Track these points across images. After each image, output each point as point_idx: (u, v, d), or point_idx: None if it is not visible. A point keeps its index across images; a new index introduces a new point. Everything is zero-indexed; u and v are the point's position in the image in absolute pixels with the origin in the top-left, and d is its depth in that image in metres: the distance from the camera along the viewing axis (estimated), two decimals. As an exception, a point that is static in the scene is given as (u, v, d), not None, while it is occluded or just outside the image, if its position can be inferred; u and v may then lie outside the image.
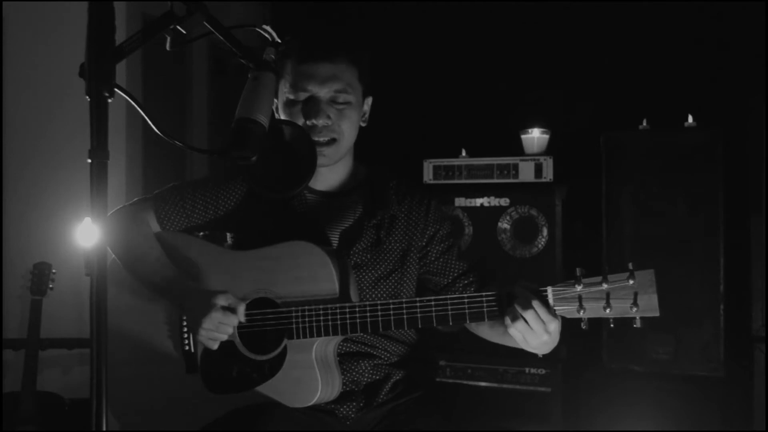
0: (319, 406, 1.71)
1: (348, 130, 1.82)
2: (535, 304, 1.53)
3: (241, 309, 1.67)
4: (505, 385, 3.17)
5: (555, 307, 1.55)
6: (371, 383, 1.79)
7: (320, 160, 1.78)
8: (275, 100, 1.86)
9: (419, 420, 1.76)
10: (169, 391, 1.78)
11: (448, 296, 1.62)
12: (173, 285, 1.75)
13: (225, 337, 1.68)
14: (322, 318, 1.65)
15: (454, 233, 1.95)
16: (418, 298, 1.63)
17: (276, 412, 1.65)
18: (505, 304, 1.59)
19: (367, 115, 1.90)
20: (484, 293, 1.61)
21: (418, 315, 1.62)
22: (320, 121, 1.77)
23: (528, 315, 1.54)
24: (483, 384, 3.18)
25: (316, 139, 1.77)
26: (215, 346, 1.68)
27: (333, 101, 1.79)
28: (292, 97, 1.79)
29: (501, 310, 1.60)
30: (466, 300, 1.60)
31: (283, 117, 1.81)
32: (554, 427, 3.12)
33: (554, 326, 1.55)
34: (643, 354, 3.05)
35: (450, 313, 1.61)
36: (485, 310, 1.61)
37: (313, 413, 1.71)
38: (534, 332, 1.55)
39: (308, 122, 1.77)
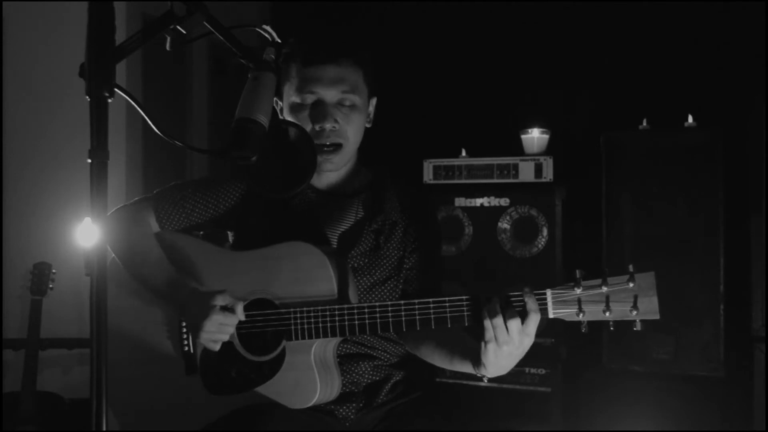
0: (319, 407, 1.71)
1: (353, 134, 1.82)
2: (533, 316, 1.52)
3: (240, 308, 1.67)
4: (505, 385, 3.17)
5: (554, 310, 1.54)
6: (371, 384, 1.79)
7: (327, 166, 1.80)
8: (280, 103, 1.86)
9: (419, 420, 1.76)
10: (170, 392, 1.78)
11: (446, 298, 1.61)
12: (171, 288, 1.74)
13: (226, 338, 1.68)
14: (320, 319, 1.64)
15: (439, 246, 1.93)
16: (416, 300, 1.61)
17: (276, 413, 1.65)
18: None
19: (371, 116, 1.91)
20: (483, 295, 1.60)
21: (417, 317, 1.61)
22: (328, 125, 1.77)
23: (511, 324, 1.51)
24: (483, 384, 3.18)
25: (323, 143, 1.78)
26: (217, 347, 1.68)
27: (340, 104, 1.79)
28: (298, 100, 1.79)
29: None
30: (464, 302, 1.60)
31: (288, 120, 1.81)
32: (554, 427, 3.12)
33: (528, 342, 1.54)
34: (643, 354, 3.05)
35: (448, 315, 1.59)
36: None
37: (313, 414, 1.71)
38: (512, 341, 1.52)
39: (316, 127, 1.78)
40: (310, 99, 1.78)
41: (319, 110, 1.77)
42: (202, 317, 1.64)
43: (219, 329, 1.65)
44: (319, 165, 1.79)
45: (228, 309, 1.66)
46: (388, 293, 1.82)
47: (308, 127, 1.77)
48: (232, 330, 1.67)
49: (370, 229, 1.83)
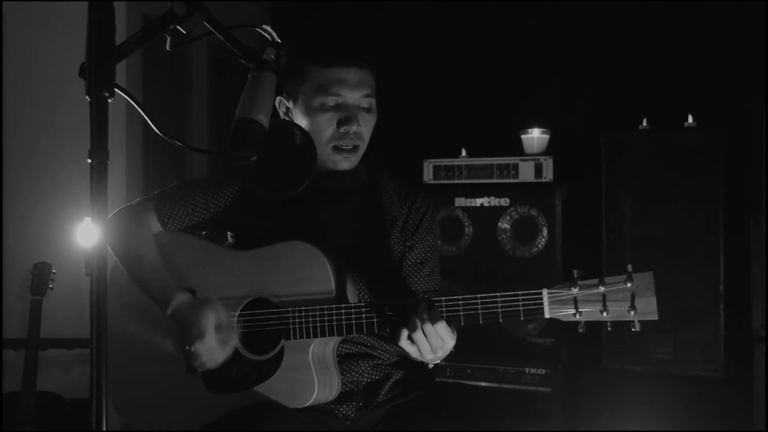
0: (319, 406, 1.71)
1: (368, 136, 1.84)
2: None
3: (234, 318, 1.69)
4: (505, 385, 3.17)
5: (551, 310, 1.53)
6: (371, 383, 1.79)
7: (345, 165, 1.81)
8: (286, 103, 1.86)
9: (419, 420, 1.76)
10: (170, 391, 1.78)
11: (443, 298, 1.61)
12: (162, 294, 1.74)
13: (225, 358, 1.69)
14: (318, 319, 1.65)
15: (436, 249, 1.94)
16: (412, 299, 1.62)
17: (276, 413, 1.65)
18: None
19: None
20: (474, 296, 1.60)
21: None
22: (353, 128, 1.78)
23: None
24: (483, 384, 3.18)
25: (344, 145, 1.79)
26: (214, 366, 1.69)
27: (361, 106, 1.80)
28: (320, 102, 1.78)
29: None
30: (461, 302, 1.60)
31: (305, 121, 1.80)
32: (554, 427, 3.12)
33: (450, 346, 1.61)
34: (643, 354, 3.05)
35: (444, 315, 1.59)
36: (483, 312, 1.60)
37: (312, 413, 1.71)
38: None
39: (341, 129, 1.78)
40: (333, 101, 1.79)
41: (346, 113, 1.78)
42: (197, 338, 1.66)
43: (213, 355, 1.67)
44: (337, 163, 1.80)
45: (222, 326, 1.67)
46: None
47: (331, 129, 1.78)
48: (229, 352, 1.69)
49: (370, 225, 1.84)
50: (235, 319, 1.71)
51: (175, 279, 1.77)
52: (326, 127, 1.78)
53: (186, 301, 1.71)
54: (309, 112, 1.80)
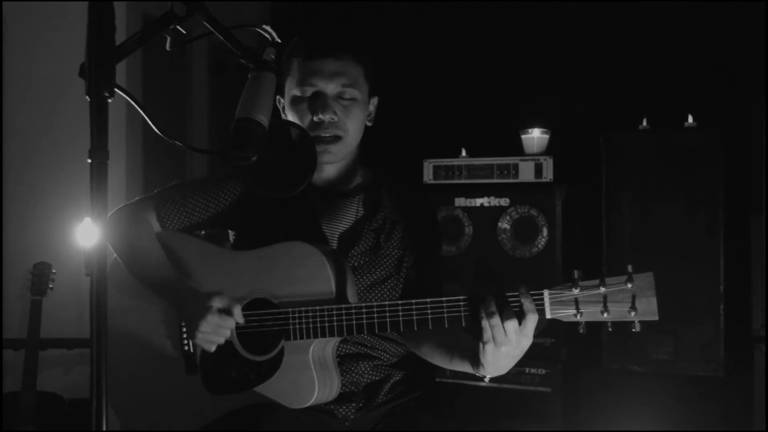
0: (319, 407, 1.71)
1: (353, 128, 1.81)
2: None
3: (237, 311, 1.67)
4: (505, 385, 3.17)
5: (552, 311, 1.53)
6: (371, 384, 1.79)
7: (325, 158, 1.78)
8: (281, 100, 1.86)
9: (419, 420, 1.76)
10: (170, 391, 1.78)
11: (444, 299, 1.60)
12: (169, 286, 1.75)
13: (222, 340, 1.68)
14: (318, 319, 1.64)
15: (439, 246, 1.94)
16: (414, 300, 1.61)
17: (276, 413, 1.65)
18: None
19: (372, 115, 1.90)
20: (479, 295, 1.59)
21: (414, 318, 1.60)
22: (327, 116, 1.77)
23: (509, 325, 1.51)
24: (483, 384, 3.18)
25: (322, 135, 1.77)
26: (212, 348, 1.69)
27: (339, 97, 1.79)
28: (298, 93, 1.80)
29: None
30: (461, 303, 1.59)
31: (289, 115, 1.82)
32: (554, 427, 3.12)
33: (527, 343, 1.54)
34: (643, 354, 3.05)
35: (446, 315, 1.59)
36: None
37: (312, 413, 1.71)
38: (510, 342, 1.52)
39: (315, 118, 1.77)
40: (309, 91, 1.79)
41: (317, 102, 1.77)
42: (198, 318, 1.65)
43: (215, 331, 1.66)
44: (318, 156, 1.75)
45: (225, 311, 1.66)
46: (388, 292, 1.82)
47: (307, 119, 1.77)
48: (228, 333, 1.68)
49: (370, 228, 1.83)
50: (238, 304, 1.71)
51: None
52: (303, 118, 1.78)
53: (192, 292, 1.71)
54: (290, 105, 1.82)
